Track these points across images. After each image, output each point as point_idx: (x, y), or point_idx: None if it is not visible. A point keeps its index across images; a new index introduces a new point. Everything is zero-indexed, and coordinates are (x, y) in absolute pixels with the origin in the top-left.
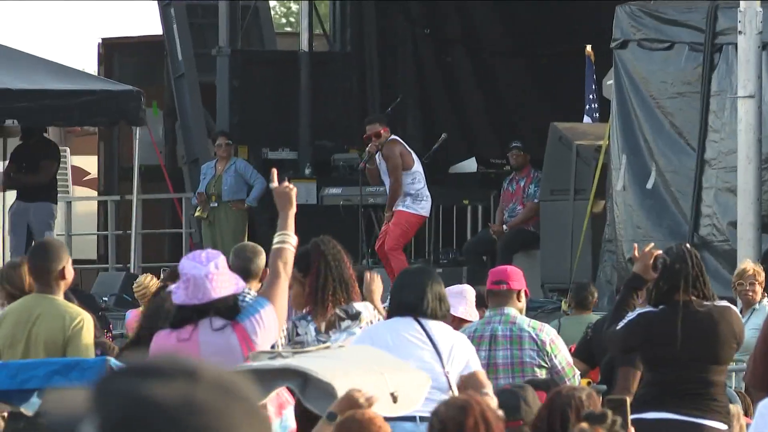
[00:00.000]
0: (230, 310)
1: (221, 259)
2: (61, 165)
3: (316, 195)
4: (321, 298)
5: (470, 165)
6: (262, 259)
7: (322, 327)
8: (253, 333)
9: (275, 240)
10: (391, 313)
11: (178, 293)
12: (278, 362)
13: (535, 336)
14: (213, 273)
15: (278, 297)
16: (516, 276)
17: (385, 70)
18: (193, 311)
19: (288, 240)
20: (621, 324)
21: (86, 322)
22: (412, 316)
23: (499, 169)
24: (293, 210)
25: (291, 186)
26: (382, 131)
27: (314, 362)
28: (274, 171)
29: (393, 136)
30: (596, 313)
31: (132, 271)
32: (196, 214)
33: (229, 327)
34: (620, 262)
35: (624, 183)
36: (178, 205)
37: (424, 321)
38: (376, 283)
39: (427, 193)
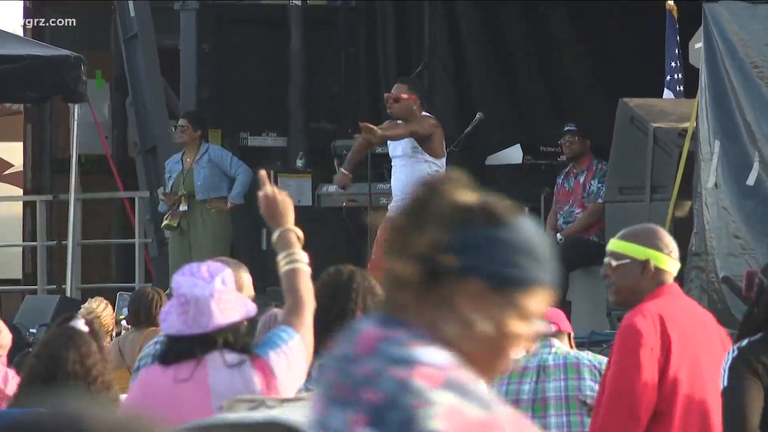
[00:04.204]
0: (242, 342)
1: (227, 274)
2: None
3: (311, 194)
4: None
5: (514, 154)
6: (244, 277)
7: (313, 373)
8: (278, 370)
9: (282, 262)
10: None
11: (171, 320)
12: (261, 414)
13: (597, 364)
14: (219, 291)
15: (306, 329)
16: (561, 317)
17: (403, 29)
18: (193, 343)
19: (299, 258)
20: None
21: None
22: None
23: (552, 160)
24: (292, 220)
25: (282, 192)
26: (404, 96)
27: (308, 414)
28: (263, 173)
29: (427, 115)
30: None
31: (69, 294)
32: (165, 222)
33: (248, 363)
34: (711, 282)
35: (717, 178)
36: (130, 207)
37: None
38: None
39: None
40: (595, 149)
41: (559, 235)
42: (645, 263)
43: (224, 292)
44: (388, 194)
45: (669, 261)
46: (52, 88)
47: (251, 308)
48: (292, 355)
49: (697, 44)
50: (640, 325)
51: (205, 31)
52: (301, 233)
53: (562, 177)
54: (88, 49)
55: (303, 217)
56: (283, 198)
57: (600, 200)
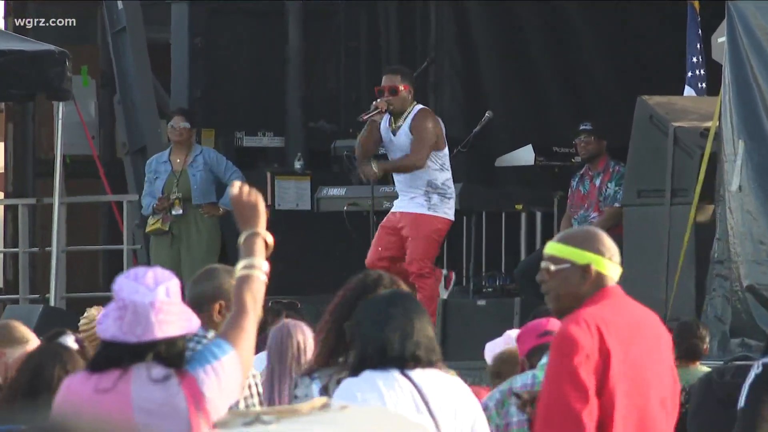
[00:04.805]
0: (176, 357)
1: (173, 284)
2: None
3: (310, 197)
4: (323, 347)
5: (525, 155)
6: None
7: (331, 387)
8: (207, 389)
9: (239, 266)
10: (361, 364)
11: (107, 324)
12: (257, 430)
13: None
14: (161, 302)
15: (244, 340)
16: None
17: (408, 21)
18: (123, 351)
19: (256, 265)
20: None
21: None
22: (399, 368)
23: (566, 161)
24: (261, 224)
25: (254, 192)
26: (401, 88)
27: (306, 430)
28: (237, 184)
29: (422, 106)
30: (705, 364)
31: (53, 303)
32: (153, 226)
33: (175, 379)
34: (735, 291)
35: (741, 181)
36: (118, 211)
37: (411, 374)
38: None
39: (453, 186)
40: (611, 150)
41: None
42: (586, 268)
43: (166, 303)
44: (391, 197)
45: (610, 265)
46: (35, 85)
47: (194, 324)
48: (224, 372)
49: (720, 38)
50: (575, 332)
51: (197, 24)
52: (270, 239)
53: (577, 179)
54: (73, 43)
55: (301, 222)
56: (251, 200)
57: (617, 204)
